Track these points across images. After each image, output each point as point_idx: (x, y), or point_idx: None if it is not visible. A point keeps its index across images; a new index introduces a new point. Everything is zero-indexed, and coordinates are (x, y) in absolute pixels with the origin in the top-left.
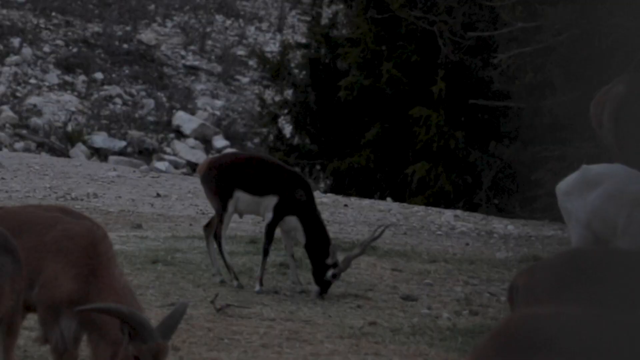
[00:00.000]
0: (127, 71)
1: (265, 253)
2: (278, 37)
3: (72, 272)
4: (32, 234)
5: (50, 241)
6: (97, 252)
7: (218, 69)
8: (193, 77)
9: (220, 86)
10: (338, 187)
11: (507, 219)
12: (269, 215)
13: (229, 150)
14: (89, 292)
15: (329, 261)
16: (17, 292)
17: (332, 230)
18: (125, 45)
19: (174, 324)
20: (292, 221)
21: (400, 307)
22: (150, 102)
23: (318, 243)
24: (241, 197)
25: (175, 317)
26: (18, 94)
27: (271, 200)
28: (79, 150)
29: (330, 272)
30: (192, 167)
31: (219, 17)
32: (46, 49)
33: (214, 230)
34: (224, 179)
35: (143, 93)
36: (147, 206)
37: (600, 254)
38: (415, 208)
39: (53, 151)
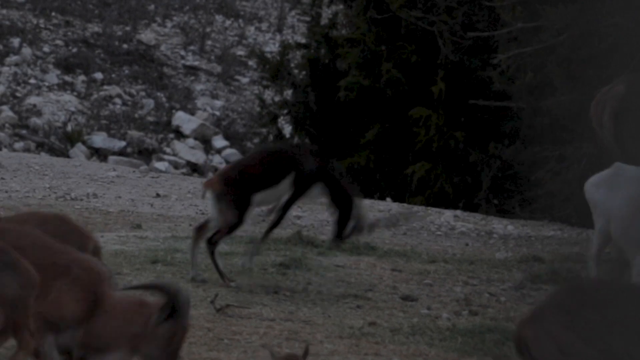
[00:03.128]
0: (126, 71)
1: (274, 227)
2: (278, 37)
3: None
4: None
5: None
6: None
7: (218, 69)
8: (193, 77)
9: (220, 86)
10: None
11: (507, 219)
12: (289, 192)
13: (230, 150)
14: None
15: (353, 217)
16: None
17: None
18: (125, 46)
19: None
20: (314, 190)
21: (400, 308)
22: (150, 102)
23: (342, 201)
24: (258, 197)
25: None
26: (18, 94)
27: (287, 181)
28: (79, 150)
29: (351, 225)
30: (192, 167)
31: (218, 17)
32: (46, 49)
33: (208, 235)
34: (242, 192)
35: (143, 93)
36: (147, 206)
37: (605, 291)
38: (415, 208)
39: (53, 151)
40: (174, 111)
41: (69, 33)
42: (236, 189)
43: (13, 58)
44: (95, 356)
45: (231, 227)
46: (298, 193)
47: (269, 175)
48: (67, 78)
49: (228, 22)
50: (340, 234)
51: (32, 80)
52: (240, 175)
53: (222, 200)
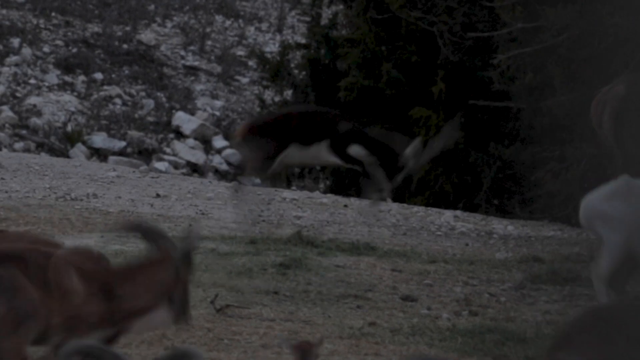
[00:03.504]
0: (126, 71)
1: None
2: (278, 37)
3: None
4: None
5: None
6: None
7: (218, 69)
8: (193, 78)
9: (220, 86)
10: (338, 188)
11: (507, 220)
12: (334, 159)
13: (230, 150)
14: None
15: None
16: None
17: (331, 231)
18: (124, 46)
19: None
20: (355, 150)
21: (400, 308)
22: (149, 103)
23: (385, 155)
24: (289, 151)
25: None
26: (18, 94)
27: (323, 146)
28: (79, 150)
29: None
30: (192, 167)
31: (218, 18)
32: (46, 49)
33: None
34: (271, 140)
35: (143, 93)
36: (147, 206)
37: (633, 312)
38: (415, 208)
39: (53, 151)
40: (174, 111)
41: (69, 33)
42: (265, 136)
43: (13, 58)
44: (138, 320)
45: (255, 170)
46: (344, 159)
47: (304, 134)
48: (67, 78)
49: (228, 22)
50: (390, 181)
51: (32, 81)
52: (272, 124)
53: (248, 146)
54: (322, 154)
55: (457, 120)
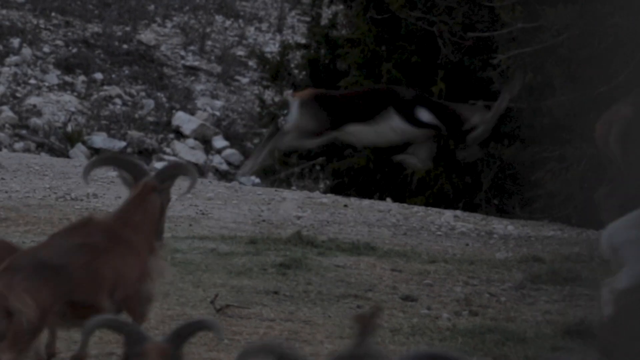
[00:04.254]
0: (126, 71)
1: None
2: (278, 37)
3: None
4: None
5: None
6: None
7: (218, 69)
8: (193, 78)
9: (220, 86)
10: (338, 188)
11: (507, 220)
12: (401, 127)
13: (230, 150)
14: None
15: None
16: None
17: (331, 231)
18: (124, 46)
19: None
20: (424, 114)
21: (400, 308)
22: (150, 103)
23: (451, 120)
24: (351, 128)
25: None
26: (18, 95)
27: (389, 114)
28: (79, 150)
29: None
30: None
31: (218, 18)
32: (46, 49)
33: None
34: (330, 109)
35: (143, 93)
36: None
37: None
38: (415, 208)
39: (53, 151)
40: (174, 111)
41: (69, 33)
42: (324, 104)
43: (13, 58)
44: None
45: (302, 133)
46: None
47: (365, 108)
48: (67, 78)
49: (228, 23)
50: (463, 141)
51: (32, 81)
52: (334, 96)
53: (304, 111)
54: (387, 124)
55: (519, 77)
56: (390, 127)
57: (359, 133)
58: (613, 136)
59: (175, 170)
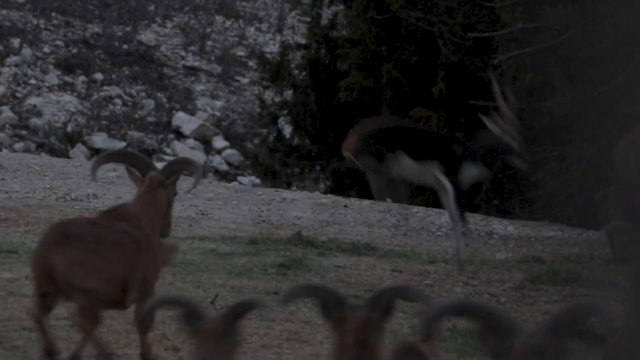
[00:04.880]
0: (126, 72)
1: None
2: (278, 37)
3: None
4: None
5: None
6: None
7: (218, 69)
8: (193, 78)
9: (220, 87)
10: (338, 188)
11: (507, 220)
12: (443, 181)
13: (230, 151)
14: None
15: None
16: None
17: (331, 231)
18: (125, 46)
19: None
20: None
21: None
22: (150, 103)
23: (496, 158)
24: (400, 159)
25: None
26: (18, 95)
27: (433, 165)
28: (79, 150)
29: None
30: None
31: (218, 18)
32: (46, 49)
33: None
34: (382, 146)
35: (143, 94)
36: None
37: None
38: (415, 209)
39: (53, 152)
40: (174, 112)
41: (69, 34)
42: (374, 143)
43: (13, 59)
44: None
45: (377, 173)
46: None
47: (414, 146)
48: (67, 79)
49: (228, 23)
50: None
51: (32, 81)
52: (380, 132)
53: (359, 158)
54: (430, 172)
55: (495, 84)
56: (432, 177)
57: (406, 167)
58: (633, 160)
59: (181, 165)
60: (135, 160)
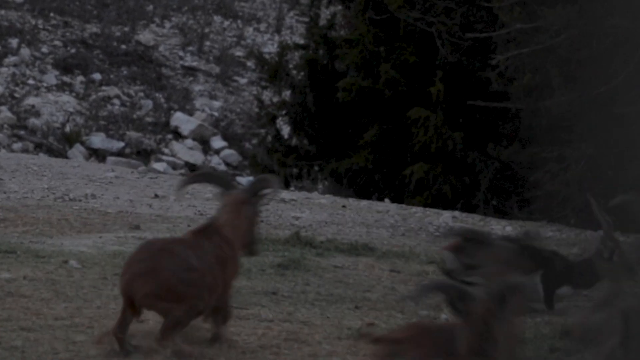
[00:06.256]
0: (125, 72)
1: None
2: (276, 38)
3: None
4: None
5: None
6: None
7: (216, 69)
8: (191, 78)
9: (218, 87)
10: (336, 189)
11: (505, 220)
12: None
13: (228, 151)
14: None
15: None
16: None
17: (330, 231)
18: (123, 46)
19: None
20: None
21: (398, 308)
22: (148, 103)
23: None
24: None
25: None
26: (16, 95)
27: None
28: (77, 151)
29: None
30: (190, 168)
31: (217, 18)
32: (44, 49)
33: None
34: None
35: (141, 94)
36: (145, 207)
37: None
38: (414, 209)
39: (51, 152)
40: (172, 112)
41: (68, 34)
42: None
43: (11, 59)
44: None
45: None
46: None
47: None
48: (66, 79)
49: (226, 23)
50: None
51: (30, 81)
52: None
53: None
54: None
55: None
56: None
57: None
58: None
59: (263, 184)
60: (218, 179)
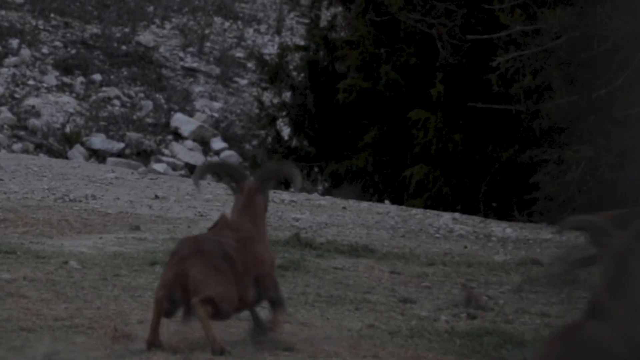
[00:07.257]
0: (125, 73)
1: None
2: (276, 39)
3: None
4: None
5: None
6: None
7: (216, 70)
8: (191, 79)
9: (218, 88)
10: (336, 190)
11: (506, 222)
12: None
13: (228, 152)
14: None
15: None
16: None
17: (330, 233)
18: (123, 47)
19: None
20: None
21: (399, 310)
22: (148, 104)
23: None
24: None
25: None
26: (16, 95)
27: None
28: (77, 151)
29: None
30: (190, 169)
31: (217, 19)
32: (44, 50)
33: None
34: None
35: (141, 95)
36: (146, 208)
37: None
38: (414, 211)
39: (51, 152)
40: (172, 113)
41: (68, 34)
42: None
43: (12, 59)
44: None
45: None
46: None
47: None
48: (66, 79)
49: (227, 24)
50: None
51: (30, 82)
52: None
53: None
54: None
55: None
56: None
57: None
58: None
59: (273, 172)
60: (231, 170)
